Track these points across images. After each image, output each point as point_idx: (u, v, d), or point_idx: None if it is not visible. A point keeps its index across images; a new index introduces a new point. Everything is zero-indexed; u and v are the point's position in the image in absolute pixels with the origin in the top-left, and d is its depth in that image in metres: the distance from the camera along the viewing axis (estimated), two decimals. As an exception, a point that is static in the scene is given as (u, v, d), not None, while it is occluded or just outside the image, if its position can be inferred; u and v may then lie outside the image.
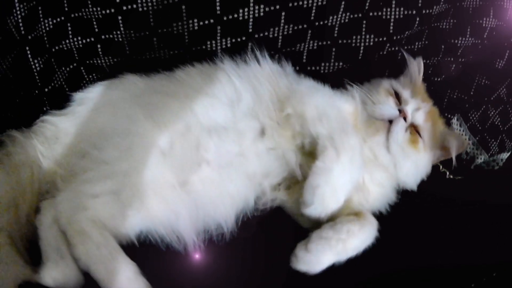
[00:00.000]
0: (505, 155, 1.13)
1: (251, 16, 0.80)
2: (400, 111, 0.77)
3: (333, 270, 0.70)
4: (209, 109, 0.72)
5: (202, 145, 0.70)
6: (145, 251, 0.68)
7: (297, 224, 0.76)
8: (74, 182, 0.68)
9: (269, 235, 0.74)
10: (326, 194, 0.66)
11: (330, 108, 0.75)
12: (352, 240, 0.68)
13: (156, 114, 0.69)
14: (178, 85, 0.76)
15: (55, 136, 0.76)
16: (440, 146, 0.81)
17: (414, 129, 0.78)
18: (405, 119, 0.76)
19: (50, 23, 0.80)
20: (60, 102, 0.82)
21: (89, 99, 0.76)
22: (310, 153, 0.74)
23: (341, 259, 0.68)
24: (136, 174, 0.65)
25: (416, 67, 0.86)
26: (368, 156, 0.77)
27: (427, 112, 0.79)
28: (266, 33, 0.85)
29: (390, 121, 0.76)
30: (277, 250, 0.72)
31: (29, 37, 0.78)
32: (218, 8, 0.78)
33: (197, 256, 0.68)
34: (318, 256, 0.66)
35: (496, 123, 1.11)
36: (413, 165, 0.77)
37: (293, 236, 0.72)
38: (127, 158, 0.66)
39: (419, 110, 0.78)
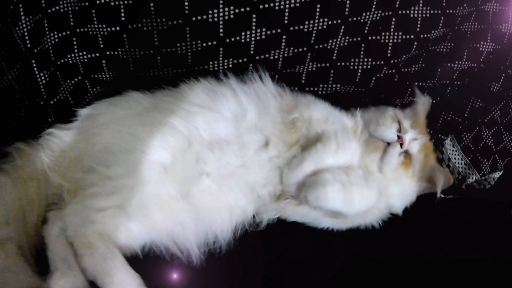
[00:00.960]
0: (497, 174, 1.18)
1: (253, 38, 0.84)
2: (398, 137, 0.83)
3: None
4: (212, 125, 0.78)
5: (202, 158, 0.75)
6: (147, 263, 0.72)
7: (295, 238, 0.82)
8: (80, 195, 0.72)
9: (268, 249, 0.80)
10: (304, 166, 0.77)
11: (333, 115, 0.86)
12: (356, 172, 0.77)
13: (158, 132, 0.74)
14: (181, 101, 0.80)
15: (61, 150, 0.79)
16: (428, 178, 0.88)
17: (407, 156, 0.85)
18: (401, 145, 0.83)
19: (56, 37, 0.84)
20: (65, 113, 0.85)
21: (94, 115, 0.80)
22: None
23: (349, 199, 0.74)
24: (140, 189, 0.70)
25: (423, 104, 0.95)
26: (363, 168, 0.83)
27: (422, 144, 0.87)
28: (267, 55, 0.89)
29: (388, 144, 0.84)
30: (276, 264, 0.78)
31: (35, 50, 0.81)
32: (221, 31, 0.82)
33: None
34: (324, 183, 0.74)
35: (489, 143, 1.16)
36: (400, 188, 0.85)
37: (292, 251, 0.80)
38: (131, 175, 0.71)
39: (416, 140, 0.86)
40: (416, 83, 1.05)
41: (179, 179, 0.73)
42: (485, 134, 1.15)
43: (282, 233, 0.82)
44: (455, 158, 1.15)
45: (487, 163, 1.15)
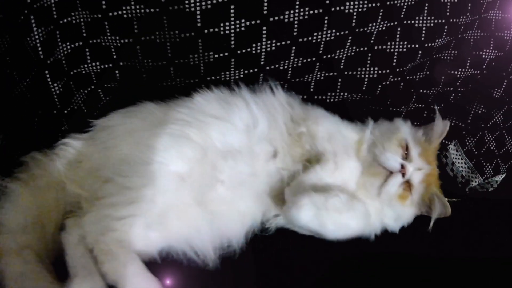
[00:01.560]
0: (499, 178, 1.21)
1: (263, 50, 0.88)
2: (402, 166, 0.84)
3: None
4: (226, 135, 0.81)
5: (217, 167, 0.79)
6: (164, 267, 0.76)
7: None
8: (99, 204, 0.75)
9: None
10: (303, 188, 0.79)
11: (338, 133, 0.88)
12: (335, 199, 0.77)
13: (176, 144, 0.77)
14: (196, 112, 0.83)
15: (77, 160, 0.82)
16: (427, 205, 0.88)
17: (407, 185, 0.85)
18: (403, 175, 0.84)
19: (68, 47, 0.86)
20: (78, 122, 0.88)
21: (110, 126, 0.83)
22: None
23: (322, 222, 0.77)
24: (159, 199, 0.74)
25: (441, 128, 0.92)
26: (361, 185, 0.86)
27: (426, 174, 0.87)
28: (277, 65, 0.93)
29: (390, 172, 0.84)
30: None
31: (48, 61, 0.84)
32: (232, 43, 0.85)
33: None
34: (300, 199, 0.76)
35: (491, 148, 1.19)
36: (395, 215, 0.87)
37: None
38: (150, 185, 0.74)
39: (420, 170, 0.85)
40: (421, 90, 1.09)
41: (195, 188, 0.76)
42: (488, 138, 1.19)
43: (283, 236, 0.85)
44: (458, 163, 1.18)
45: (490, 167, 1.18)
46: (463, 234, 0.97)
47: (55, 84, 0.86)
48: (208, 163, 0.78)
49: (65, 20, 0.83)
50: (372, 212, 0.85)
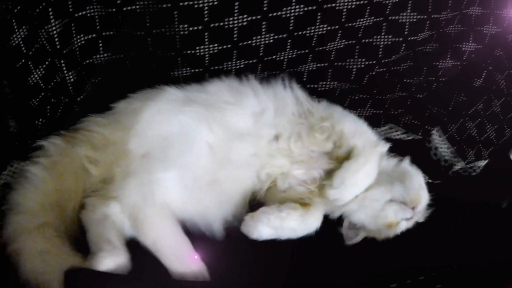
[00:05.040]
0: (482, 163, 1.35)
1: (262, 42, 1.05)
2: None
3: (332, 269, 0.94)
4: (235, 117, 0.95)
5: (230, 147, 0.93)
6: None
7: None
8: (136, 174, 0.86)
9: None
10: (348, 186, 0.93)
11: (363, 127, 1.03)
12: (289, 222, 0.91)
13: (204, 119, 0.92)
14: (210, 96, 0.97)
15: (102, 143, 0.92)
16: None
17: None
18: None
19: (82, 39, 0.98)
20: (90, 109, 0.99)
21: (134, 109, 0.94)
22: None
23: (279, 235, 0.91)
24: (194, 164, 0.89)
25: None
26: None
27: None
28: (274, 57, 1.09)
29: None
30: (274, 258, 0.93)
31: (64, 51, 0.95)
32: (235, 35, 1.01)
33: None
34: (257, 224, 0.89)
35: (473, 134, 1.33)
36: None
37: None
38: (187, 152, 0.89)
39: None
40: (405, 80, 1.25)
41: (217, 162, 0.91)
42: (469, 125, 1.33)
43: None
44: (441, 147, 1.32)
45: (471, 151, 1.33)
46: (457, 239, 1.07)
47: (69, 73, 0.99)
48: (224, 142, 0.93)
49: (80, 14, 0.94)
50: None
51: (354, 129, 1.00)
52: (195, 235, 0.90)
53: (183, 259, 0.84)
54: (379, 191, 0.98)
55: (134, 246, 0.85)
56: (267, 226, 0.90)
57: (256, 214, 0.91)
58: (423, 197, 1.01)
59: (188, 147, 0.90)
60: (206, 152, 0.91)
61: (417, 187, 1.00)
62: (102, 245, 0.81)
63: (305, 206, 0.95)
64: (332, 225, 1.02)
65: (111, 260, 0.79)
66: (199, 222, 0.90)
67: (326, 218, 1.01)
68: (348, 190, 0.94)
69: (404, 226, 1.00)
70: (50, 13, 0.91)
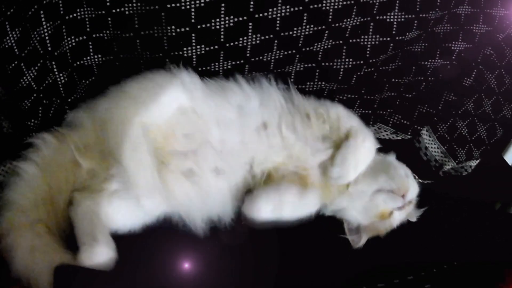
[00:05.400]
0: (473, 163, 1.39)
1: (249, 43, 1.06)
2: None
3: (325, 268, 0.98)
4: (221, 106, 0.98)
5: (209, 129, 0.95)
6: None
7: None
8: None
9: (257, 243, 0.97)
10: (350, 164, 0.98)
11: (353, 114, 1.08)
12: (288, 196, 0.95)
13: (183, 88, 0.96)
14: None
15: (87, 138, 0.93)
16: None
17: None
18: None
19: (73, 41, 0.99)
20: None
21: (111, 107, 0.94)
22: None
23: (278, 215, 0.93)
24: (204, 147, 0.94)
25: None
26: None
27: None
28: (261, 57, 1.11)
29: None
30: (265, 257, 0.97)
31: (55, 53, 0.97)
32: (222, 36, 1.04)
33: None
34: (256, 200, 0.93)
35: (463, 133, 1.36)
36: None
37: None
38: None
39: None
40: (393, 80, 1.26)
41: (188, 133, 0.94)
42: (460, 125, 1.36)
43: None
44: (432, 147, 1.35)
45: (462, 151, 1.36)
46: (453, 237, 1.12)
47: (60, 75, 1.01)
48: (202, 122, 0.95)
49: (71, 16, 0.96)
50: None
51: (348, 113, 1.06)
52: (186, 240, 0.93)
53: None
54: (364, 183, 1.02)
55: (120, 239, 0.87)
56: (265, 203, 0.93)
57: (255, 192, 0.95)
58: (411, 185, 1.05)
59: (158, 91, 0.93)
60: (175, 105, 0.95)
61: (402, 175, 1.05)
62: (86, 239, 0.83)
63: (304, 184, 0.99)
64: (320, 223, 1.04)
65: (92, 253, 0.81)
66: (180, 218, 0.93)
67: (315, 217, 1.02)
68: (351, 167, 0.98)
69: (398, 217, 1.04)
70: (42, 16, 0.94)
